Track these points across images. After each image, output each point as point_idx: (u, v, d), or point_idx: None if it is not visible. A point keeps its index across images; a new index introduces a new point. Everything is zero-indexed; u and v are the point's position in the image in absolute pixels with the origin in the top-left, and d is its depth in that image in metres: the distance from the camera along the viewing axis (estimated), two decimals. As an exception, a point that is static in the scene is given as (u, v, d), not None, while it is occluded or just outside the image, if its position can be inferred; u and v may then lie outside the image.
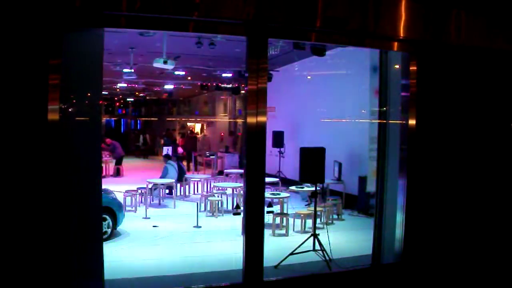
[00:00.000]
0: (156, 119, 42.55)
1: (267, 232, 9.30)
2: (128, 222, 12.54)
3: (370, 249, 9.03)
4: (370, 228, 9.28)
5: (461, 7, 8.26)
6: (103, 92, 8.14)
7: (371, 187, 13.70)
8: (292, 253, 9.30)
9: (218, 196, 15.27)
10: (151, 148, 37.24)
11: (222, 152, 26.83)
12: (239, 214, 13.85)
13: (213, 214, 14.47)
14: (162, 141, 28.04)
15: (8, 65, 5.97)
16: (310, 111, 18.77)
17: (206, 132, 32.73)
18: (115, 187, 15.17)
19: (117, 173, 23.34)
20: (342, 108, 16.26)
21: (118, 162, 23.73)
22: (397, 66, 8.73)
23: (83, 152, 6.75)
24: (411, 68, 8.19)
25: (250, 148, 7.26)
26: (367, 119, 14.37)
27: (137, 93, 35.72)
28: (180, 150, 25.08)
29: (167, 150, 22.21)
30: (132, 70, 18.44)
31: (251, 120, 7.18)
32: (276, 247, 10.01)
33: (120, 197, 13.60)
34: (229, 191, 15.83)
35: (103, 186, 8.89)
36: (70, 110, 6.68)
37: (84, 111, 6.95)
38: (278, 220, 12.50)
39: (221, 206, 14.82)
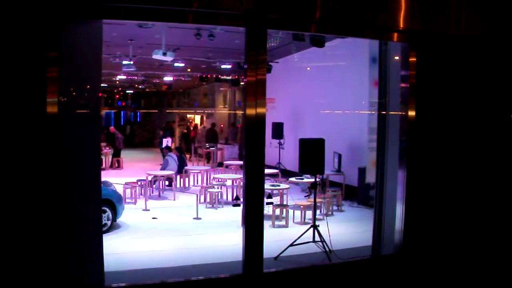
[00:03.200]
0: (155, 111, 42.56)
1: (267, 224, 9.32)
2: (128, 214, 12.55)
3: (370, 240, 9.04)
4: (370, 219, 9.28)
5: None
6: (102, 85, 8.13)
7: (370, 178, 13.72)
8: (292, 245, 9.31)
9: (218, 188, 15.28)
10: (151, 140, 37.30)
11: (222, 143, 26.82)
12: (238, 205, 13.87)
13: (213, 205, 14.48)
14: (161, 133, 27.98)
15: (7, 58, 5.96)
16: (310, 102, 18.77)
17: (206, 124, 32.72)
18: (115, 179, 15.18)
19: (117, 165, 23.34)
20: (342, 99, 16.26)
21: (116, 155, 23.72)
22: (397, 58, 8.71)
23: (82, 145, 6.75)
24: (410, 59, 8.16)
25: (250, 140, 7.24)
26: (366, 110, 14.38)
27: (136, 85, 35.71)
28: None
29: (166, 142, 22.22)
30: (131, 62, 18.43)
31: (250, 111, 7.16)
32: (276, 239, 10.02)
33: (119, 189, 13.61)
34: (229, 182, 15.83)
35: (103, 179, 8.89)
36: (69, 102, 6.65)
37: (83, 103, 6.93)
38: (278, 211, 12.51)
39: (221, 197, 14.84)
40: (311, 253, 9.26)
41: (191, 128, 33.93)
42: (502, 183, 8.77)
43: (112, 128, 25.03)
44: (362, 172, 14.65)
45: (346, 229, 11.69)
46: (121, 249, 9.90)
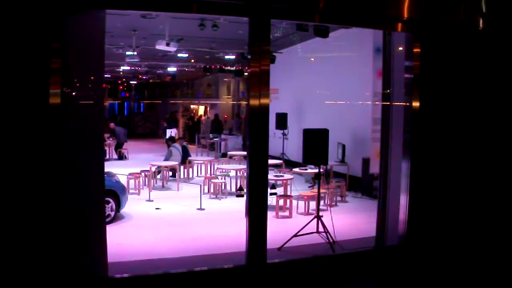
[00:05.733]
0: (159, 101, 42.57)
1: (270, 214, 9.31)
2: (131, 205, 12.56)
3: (373, 231, 9.03)
4: (373, 210, 9.28)
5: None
6: (105, 75, 8.11)
7: (374, 168, 13.69)
8: (295, 235, 9.30)
9: (221, 178, 15.28)
10: (155, 131, 37.35)
11: (226, 134, 26.82)
12: (242, 196, 13.86)
13: (216, 196, 14.51)
14: (165, 124, 27.96)
15: (9, 49, 5.94)
16: (314, 93, 18.75)
17: (210, 115, 32.71)
18: (119, 170, 15.19)
19: (120, 156, 23.32)
20: (346, 89, 16.22)
21: (119, 146, 23.68)
22: (401, 48, 8.68)
23: (85, 135, 6.74)
24: (414, 50, 8.13)
25: (254, 130, 7.23)
26: (370, 100, 14.34)
27: (140, 76, 35.68)
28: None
29: (170, 132, 22.20)
30: (135, 53, 18.40)
31: (254, 102, 7.14)
32: (280, 229, 10.00)
33: (123, 180, 13.62)
34: (232, 173, 15.83)
35: (107, 169, 8.89)
36: (72, 93, 6.66)
37: (87, 94, 6.93)
38: (281, 202, 12.51)
39: (224, 188, 14.84)
40: (315, 244, 9.24)
41: (195, 120, 33.90)
42: (507, 174, 8.74)
43: (112, 125, 24.73)
44: (366, 162, 14.63)
45: (349, 220, 11.69)
46: (124, 239, 9.89)
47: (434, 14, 8.04)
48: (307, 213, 12.38)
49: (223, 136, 26.05)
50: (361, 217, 11.88)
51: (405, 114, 8.38)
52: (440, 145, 8.29)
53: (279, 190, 13.75)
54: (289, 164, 17.51)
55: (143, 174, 15.54)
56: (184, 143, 18.69)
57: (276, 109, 18.42)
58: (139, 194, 14.72)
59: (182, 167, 17.61)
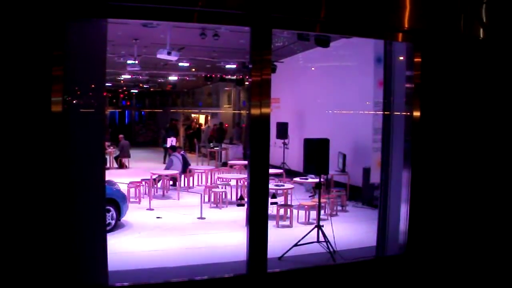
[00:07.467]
0: (160, 110, 42.57)
1: (271, 224, 9.32)
2: (132, 214, 12.56)
3: (374, 240, 9.01)
4: (374, 220, 9.27)
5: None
6: (107, 84, 8.11)
7: (375, 178, 13.69)
8: (296, 245, 9.30)
9: (222, 188, 15.26)
10: (155, 139, 37.33)
11: (227, 143, 26.80)
12: (243, 205, 13.85)
13: (217, 205, 14.50)
14: (164, 133, 27.93)
15: (11, 56, 5.96)
16: (314, 102, 18.76)
17: (210, 123, 32.72)
18: (119, 179, 15.19)
19: (120, 165, 23.29)
20: (346, 99, 16.24)
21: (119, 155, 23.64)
22: (401, 58, 8.69)
23: (86, 144, 6.74)
24: (415, 59, 8.13)
25: (254, 140, 7.23)
26: (371, 110, 14.35)
27: (141, 84, 35.72)
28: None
29: (171, 141, 22.18)
30: (136, 62, 18.41)
31: (255, 111, 7.15)
32: (280, 239, 10.01)
33: (124, 188, 13.61)
34: (233, 182, 15.83)
35: (107, 178, 8.90)
36: (74, 101, 6.66)
37: (88, 102, 6.93)
38: (282, 211, 12.51)
39: (225, 197, 14.83)
40: (315, 253, 9.24)
41: (192, 128, 33.85)
42: (507, 183, 8.74)
43: (121, 136, 24.61)
44: (366, 172, 14.61)
45: (350, 230, 11.68)
46: (125, 248, 9.90)
47: (434, 24, 8.06)
48: (307, 222, 12.37)
49: (223, 145, 26.04)
50: (362, 226, 11.88)
51: (405, 124, 8.37)
52: (441, 154, 8.29)
53: (280, 200, 13.74)
54: (290, 174, 17.49)
55: (143, 182, 15.55)
56: (182, 152, 18.68)
57: (277, 118, 18.45)
58: (139, 203, 14.71)
59: (182, 176, 17.61)
